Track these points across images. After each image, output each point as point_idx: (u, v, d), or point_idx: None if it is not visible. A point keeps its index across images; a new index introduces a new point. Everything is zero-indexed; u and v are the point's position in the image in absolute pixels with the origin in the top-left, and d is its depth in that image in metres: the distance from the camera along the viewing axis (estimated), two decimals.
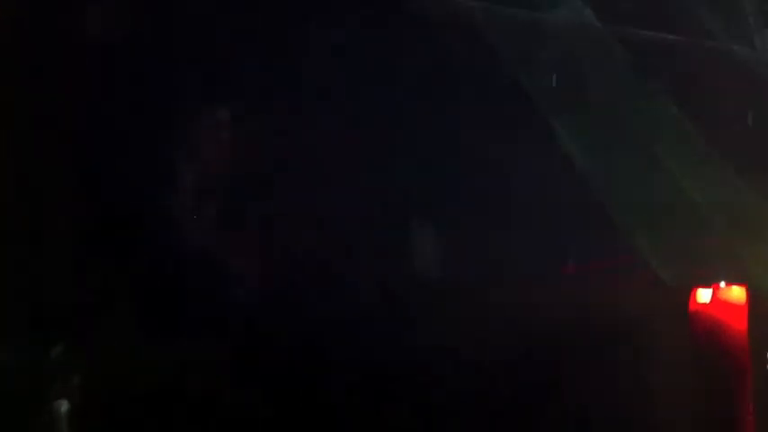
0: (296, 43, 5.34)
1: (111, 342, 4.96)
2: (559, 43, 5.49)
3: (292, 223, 5.28)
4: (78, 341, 4.95)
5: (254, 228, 5.33)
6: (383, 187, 5.33)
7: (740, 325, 4.66)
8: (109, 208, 5.13)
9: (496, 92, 5.40)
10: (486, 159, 5.30)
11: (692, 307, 4.70)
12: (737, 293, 4.68)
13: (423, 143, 5.39)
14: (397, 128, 5.38)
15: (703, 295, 4.69)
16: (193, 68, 5.25)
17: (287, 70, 5.32)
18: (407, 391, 5.14)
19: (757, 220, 5.14)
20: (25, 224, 5.02)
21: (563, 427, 5.14)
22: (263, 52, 5.31)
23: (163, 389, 4.94)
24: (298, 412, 5.08)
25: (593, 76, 5.43)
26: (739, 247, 5.07)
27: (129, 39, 5.21)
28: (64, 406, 4.80)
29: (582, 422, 5.13)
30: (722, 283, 4.68)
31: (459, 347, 5.13)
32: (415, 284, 5.33)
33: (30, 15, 5.11)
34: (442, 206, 5.39)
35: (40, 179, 5.08)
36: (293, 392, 5.10)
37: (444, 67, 5.43)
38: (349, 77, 5.31)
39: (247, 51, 5.29)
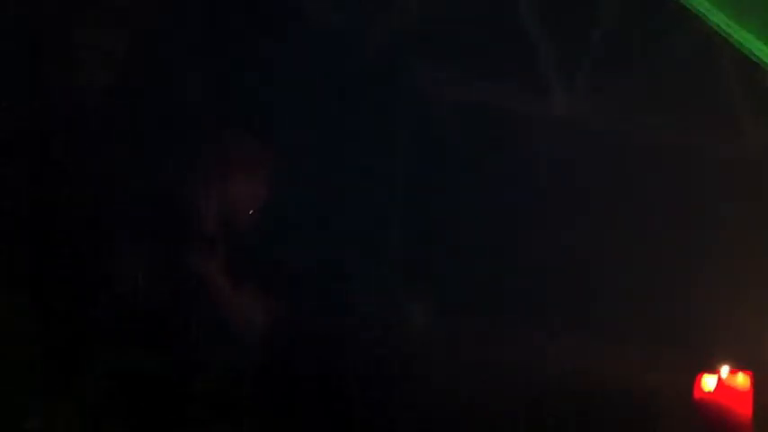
0: None
1: None
2: None
3: None
4: None
5: None
6: None
7: (745, 412, 4.65)
8: None
9: None
10: None
11: (696, 394, 4.68)
12: (742, 380, 4.66)
13: None
14: None
15: (708, 382, 4.67)
16: None
17: None
18: None
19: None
20: None
21: None
22: None
23: None
24: None
25: None
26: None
27: None
28: None
29: None
30: (726, 370, 4.67)
31: None
32: None
33: None
34: None
35: None
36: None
37: None
38: None
39: None
